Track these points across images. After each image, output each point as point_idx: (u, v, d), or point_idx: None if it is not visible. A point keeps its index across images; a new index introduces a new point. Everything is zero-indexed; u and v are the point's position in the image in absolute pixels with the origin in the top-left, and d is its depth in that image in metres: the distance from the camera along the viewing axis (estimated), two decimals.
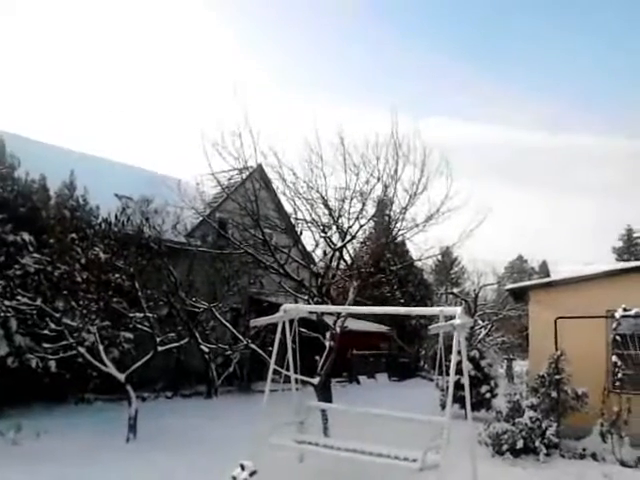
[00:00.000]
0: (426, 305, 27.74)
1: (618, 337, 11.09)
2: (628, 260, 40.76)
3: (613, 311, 10.94)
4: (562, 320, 11.10)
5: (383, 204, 13.86)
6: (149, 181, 18.95)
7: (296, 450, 8.43)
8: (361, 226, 13.25)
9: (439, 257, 37.10)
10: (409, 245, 20.27)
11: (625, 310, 10.72)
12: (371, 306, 13.12)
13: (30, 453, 9.25)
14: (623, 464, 9.61)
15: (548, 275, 35.36)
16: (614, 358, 10.90)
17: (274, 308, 9.14)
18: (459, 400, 11.50)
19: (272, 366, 8.77)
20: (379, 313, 19.82)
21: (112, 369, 11.32)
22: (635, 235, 53.14)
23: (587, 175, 75.12)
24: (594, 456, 10.01)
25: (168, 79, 59.35)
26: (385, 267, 17.51)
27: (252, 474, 3.09)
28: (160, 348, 12.22)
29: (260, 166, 14.63)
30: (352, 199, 12.98)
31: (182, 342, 14.04)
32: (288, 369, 8.95)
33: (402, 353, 29.97)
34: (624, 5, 52.20)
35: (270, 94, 51.45)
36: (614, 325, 11.04)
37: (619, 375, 10.64)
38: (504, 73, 66.17)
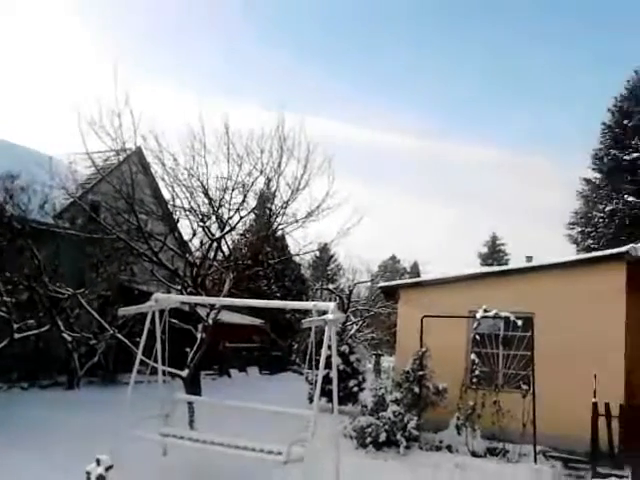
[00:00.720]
0: (302, 300, 28.09)
1: (477, 336, 11.79)
2: (491, 265, 43.59)
3: (474, 312, 11.59)
4: (428, 319, 11.62)
5: (265, 197, 13.84)
6: (15, 156, 17.61)
7: (160, 443, 8.22)
8: (241, 218, 13.16)
9: (317, 253, 37.74)
10: (288, 240, 20.45)
11: (485, 311, 11.38)
12: (246, 299, 13.05)
13: None
14: (474, 455, 10.23)
15: (419, 275, 37.08)
16: (473, 356, 11.56)
17: (145, 297, 8.84)
18: (328, 394, 11.70)
19: (139, 357, 8.47)
20: (254, 306, 19.72)
21: None
22: (499, 242, 56.88)
23: (457, 182, 79.32)
24: (449, 448, 10.57)
25: (39, 48, 55.55)
26: (263, 260, 17.45)
27: (108, 469, 2.93)
28: (17, 335, 11.43)
29: (139, 149, 14.09)
30: (233, 190, 12.87)
31: (42, 329, 13.21)
32: (156, 361, 8.69)
33: (275, 347, 30.12)
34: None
35: (154, 78, 49.80)
36: (474, 325, 11.71)
37: (476, 372, 11.32)
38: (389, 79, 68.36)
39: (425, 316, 11.67)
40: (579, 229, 35.70)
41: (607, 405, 9.70)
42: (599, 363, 10.54)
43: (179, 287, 12.69)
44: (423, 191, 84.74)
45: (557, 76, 63.39)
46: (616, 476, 8.69)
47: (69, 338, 15.39)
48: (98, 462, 2.98)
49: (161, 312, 8.66)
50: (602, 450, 9.61)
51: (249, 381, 23.97)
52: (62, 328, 13.99)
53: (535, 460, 9.90)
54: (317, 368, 7.22)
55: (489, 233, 56.88)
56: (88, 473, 2.96)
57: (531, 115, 66.18)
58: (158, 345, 8.61)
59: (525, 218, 77.46)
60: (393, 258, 59.87)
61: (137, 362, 8.43)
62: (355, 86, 65.99)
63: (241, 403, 9.16)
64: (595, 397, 9.86)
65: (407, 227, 72.74)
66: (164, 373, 8.92)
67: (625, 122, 34.27)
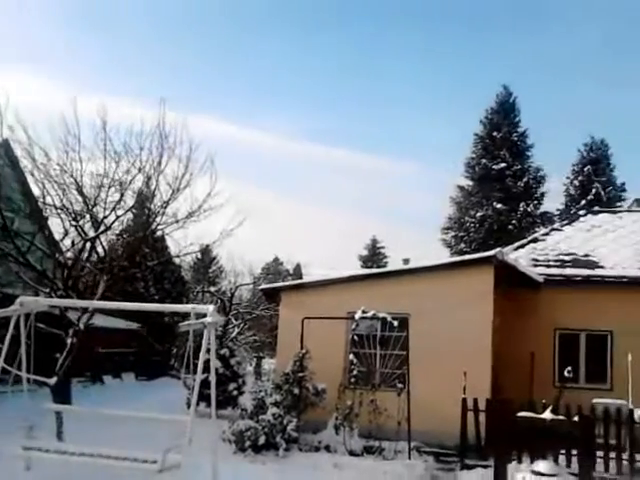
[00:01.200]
0: (182, 303, 27.42)
1: (356, 337, 12.07)
2: (372, 267, 44.86)
3: (353, 313, 11.85)
4: (308, 320, 11.73)
5: (144, 196, 13.32)
6: None
7: (22, 458, 7.65)
8: (118, 217, 12.55)
9: (198, 255, 37.04)
10: (168, 241, 19.84)
11: (364, 312, 11.66)
12: (123, 302, 12.53)
13: None
14: (352, 454, 10.45)
15: (301, 278, 37.38)
16: (351, 356, 11.82)
17: (11, 301, 8.21)
18: (207, 398, 11.47)
19: (0, 364, 7.86)
20: (129, 309, 18.95)
21: None
22: (379, 245, 58.65)
23: (338, 186, 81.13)
24: (328, 448, 10.71)
25: None
26: (141, 262, 16.83)
27: None
28: None
29: (7, 141, 13.11)
30: (110, 188, 12.25)
31: None
32: (20, 368, 8.09)
33: (153, 351, 29.14)
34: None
35: (25, 68, 46.77)
36: (353, 326, 11.98)
37: (354, 372, 11.58)
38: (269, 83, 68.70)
39: (305, 318, 11.77)
40: (453, 233, 37.65)
41: (475, 400, 10.25)
42: (469, 361, 11.11)
43: (48, 290, 11.91)
44: (305, 194, 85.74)
45: (433, 86, 66.72)
46: (482, 466, 9.18)
47: None
48: None
49: (27, 316, 8.09)
50: (470, 443, 10.13)
51: (124, 388, 23.02)
52: None
53: (409, 456, 10.28)
54: (195, 372, 7.05)
55: (369, 236, 58.59)
56: None
57: (407, 121, 69.17)
58: (22, 351, 8.04)
59: (404, 222, 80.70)
60: (276, 260, 60.00)
61: None
62: (239, 86, 65.79)
63: (114, 411, 8.75)
64: (465, 393, 10.37)
65: (290, 230, 73.26)
66: (29, 381, 8.33)
67: (494, 134, 36.64)
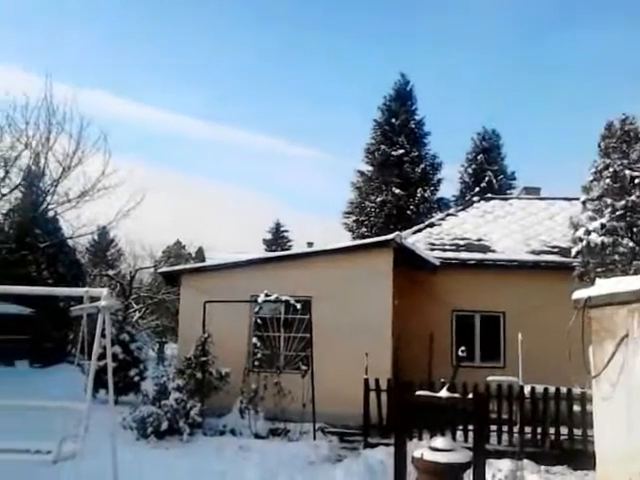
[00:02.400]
0: (78, 287, 26.26)
1: (259, 320, 12.05)
2: (276, 251, 44.89)
3: (256, 296, 11.80)
4: (211, 304, 11.58)
5: (32, 174, 12.60)
6: None
7: None
8: (3, 195, 11.82)
9: (95, 237, 35.58)
10: (61, 222, 18.94)
11: (267, 295, 11.65)
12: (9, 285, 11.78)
13: None
14: (257, 436, 10.46)
15: (204, 261, 36.79)
16: (254, 340, 11.79)
17: None
18: (107, 385, 11.08)
19: None
20: (17, 293, 17.90)
21: None
22: (282, 229, 58.76)
23: (241, 167, 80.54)
24: (233, 431, 10.66)
25: None
26: (32, 243, 15.95)
27: None
28: None
29: None
30: None
31: None
32: None
33: (48, 337, 27.76)
34: None
35: None
36: (256, 309, 11.95)
37: (258, 355, 11.56)
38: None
39: (207, 301, 11.61)
40: (354, 218, 38.29)
41: (377, 380, 10.52)
42: (370, 342, 11.40)
43: None
44: (208, 176, 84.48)
45: (333, 72, 67.28)
46: (384, 444, 9.45)
47: None
48: None
49: None
50: (373, 423, 10.40)
51: (17, 375, 21.82)
52: None
53: (314, 437, 10.42)
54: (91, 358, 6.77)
55: (273, 220, 58.55)
56: None
57: (308, 106, 69.47)
58: None
59: (307, 206, 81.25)
60: (178, 243, 58.64)
61: None
62: (132, 61, 63.36)
63: (3, 400, 8.25)
64: (367, 374, 10.62)
65: (193, 212, 71.83)
66: None
67: (393, 120, 37.48)
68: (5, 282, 12.68)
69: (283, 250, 44.03)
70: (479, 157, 39.77)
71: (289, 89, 72.15)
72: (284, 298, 11.59)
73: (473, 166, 39.96)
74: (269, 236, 58.22)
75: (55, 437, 6.26)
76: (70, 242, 26.61)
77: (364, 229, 36.81)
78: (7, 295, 21.19)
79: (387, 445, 9.24)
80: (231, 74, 71.25)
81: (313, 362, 11.13)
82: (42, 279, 26.52)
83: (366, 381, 10.53)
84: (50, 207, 12.59)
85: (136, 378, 14.31)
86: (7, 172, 11.50)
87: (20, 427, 7.71)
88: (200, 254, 50.87)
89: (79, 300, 8.04)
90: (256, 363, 11.47)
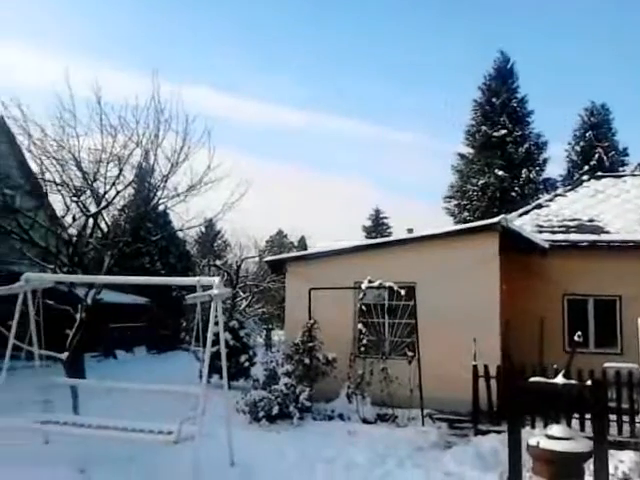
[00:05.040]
0: (188, 277, 27.44)
1: (364, 306, 12.05)
2: (375, 238, 44.82)
3: (360, 283, 11.82)
4: (315, 291, 11.74)
5: (143, 171, 13.23)
6: None
7: (40, 432, 7.72)
8: (118, 192, 12.48)
9: (202, 229, 37.03)
10: (171, 215, 19.82)
11: (370, 282, 11.64)
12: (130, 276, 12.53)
13: None
14: (365, 421, 10.51)
15: (306, 249, 37.38)
16: (360, 326, 11.83)
17: (17, 278, 8.22)
18: (219, 370, 11.54)
19: (11, 341, 7.91)
20: (135, 283, 18.99)
21: None
22: (382, 215, 58.55)
23: (341, 156, 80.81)
24: (341, 416, 10.78)
25: None
26: (145, 236, 16.80)
27: None
28: None
29: (2, 118, 13.00)
30: (109, 163, 12.18)
31: None
32: (31, 344, 8.14)
33: (163, 325, 29.32)
34: None
35: (16, 43, 46.17)
36: (360, 295, 11.97)
37: (364, 341, 11.59)
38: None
39: (312, 288, 11.76)
40: (455, 202, 37.49)
41: (486, 367, 10.26)
42: (478, 328, 11.11)
43: (53, 266, 11.90)
44: (307, 165, 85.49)
45: (432, 54, 65.86)
46: (495, 432, 9.22)
47: None
48: None
49: (34, 293, 8.11)
50: (482, 409, 10.18)
51: (137, 361, 23.23)
52: None
53: (422, 423, 10.34)
54: (205, 345, 7.06)
55: (373, 207, 58.42)
56: None
57: (408, 91, 68.48)
58: (32, 327, 8.08)
59: (406, 192, 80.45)
60: (280, 233, 60.03)
61: (10, 346, 7.87)
62: (234, 55, 65.00)
63: (127, 384, 8.79)
64: (475, 360, 10.39)
65: (293, 202, 73.17)
66: (41, 357, 8.38)
67: (493, 100, 36.23)
68: (123, 273, 13.56)
69: (383, 237, 43.89)
70: (587, 134, 37.68)
71: (382, 71, 71.37)
72: (388, 284, 11.54)
73: (581, 144, 37.92)
74: (369, 223, 58.16)
75: (175, 419, 6.59)
76: (180, 234, 27.91)
77: (466, 213, 35.99)
78: (126, 286, 22.61)
79: (498, 432, 9.01)
80: (325, 59, 71.37)
81: (419, 348, 11.03)
82: (155, 270, 28.04)
83: (475, 367, 10.29)
84: (160, 202, 13.14)
85: (246, 364, 14.82)
86: (121, 170, 12.10)
87: (142, 409, 8.19)
88: (302, 243, 51.77)
89: (191, 289, 8.41)
90: (362, 349, 11.50)
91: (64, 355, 10.31)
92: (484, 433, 9.46)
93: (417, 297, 11.50)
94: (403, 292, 11.40)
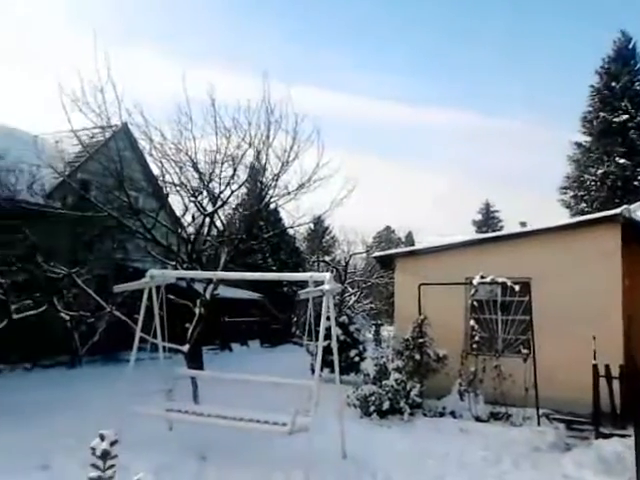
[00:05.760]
0: (299, 272, 28.08)
1: (475, 302, 11.80)
2: (486, 232, 43.60)
3: (471, 278, 11.57)
4: (425, 286, 11.62)
5: (255, 170, 13.65)
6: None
7: (165, 418, 8.25)
8: (232, 192, 12.97)
9: (311, 225, 37.66)
10: (282, 213, 20.35)
11: (482, 277, 11.36)
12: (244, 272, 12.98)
13: None
14: (478, 419, 10.30)
15: (413, 245, 37.05)
16: (472, 322, 11.58)
17: (142, 275, 8.79)
18: (329, 364, 11.73)
19: (138, 334, 8.48)
20: (251, 279, 19.70)
21: None
22: (492, 209, 56.91)
23: (446, 149, 79.17)
24: (453, 413, 10.63)
25: (21, 22, 54.46)
26: (257, 234, 17.34)
27: (113, 444, 2.93)
28: (16, 316, 11.34)
29: (125, 125, 13.87)
30: (223, 163, 12.65)
31: (40, 309, 13.11)
32: (156, 337, 8.69)
33: (275, 320, 30.20)
34: None
35: (137, 51, 48.96)
36: (472, 291, 11.70)
37: (476, 338, 11.34)
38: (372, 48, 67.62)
39: (422, 284, 11.66)
40: (572, 193, 35.67)
41: (607, 367, 9.74)
42: (598, 324, 10.57)
43: (174, 263, 12.59)
44: (413, 159, 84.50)
45: (543, 40, 62.91)
46: (619, 435, 8.74)
47: (67, 317, 15.33)
48: (102, 437, 2.96)
49: (157, 288, 8.64)
50: (604, 411, 9.67)
51: (250, 354, 24.07)
52: (59, 308, 13.90)
53: (538, 423, 9.98)
54: (317, 339, 7.21)
55: (482, 200, 56.90)
56: (93, 449, 2.94)
57: (516, 80, 65.87)
58: (157, 321, 8.62)
59: (518, 184, 77.55)
60: (387, 228, 59.93)
61: (137, 339, 8.43)
62: (339, 54, 65.34)
63: (244, 376, 9.16)
64: (595, 359, 9.89)
65: (399, 197, 72.64)
66: (165, 349, 8.93)
67: (613, 84, 34.05)
68: (237, 270, 14.16)
69: (494, 231, 42.60)
70: None
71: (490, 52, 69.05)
72: (500, 280, 11.22)
73: None
74: (479, 217, 56.71)
75: (289, 411, 6.79)
76: (290, 231, 28.54)
77: (583, 204, 34.14)
78: (240, 281, 23.48)
79: (622, 436, 8.54)
80: (421, 55, 70.08)
81: (534, 345, 10.65)
82: (267, 266, 28.92)
83: (595, 367, 9.80)
84: (272, 200, 13.53)
85: (356, 358, 14.96)
86: (235, 170, 12.57)
87: (258, 400, 8.49)
88: (409, 238, 51.31)
89: (301, 285, 8.62)
90: (474, 346, 11.27)
91: (185, 347, 10.90)
92: (606, 436, 8.97)
93: (532, 293, 11.10)
94: (517, 288, 11.04)
